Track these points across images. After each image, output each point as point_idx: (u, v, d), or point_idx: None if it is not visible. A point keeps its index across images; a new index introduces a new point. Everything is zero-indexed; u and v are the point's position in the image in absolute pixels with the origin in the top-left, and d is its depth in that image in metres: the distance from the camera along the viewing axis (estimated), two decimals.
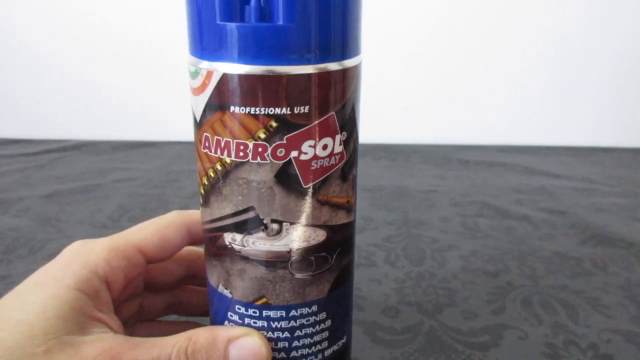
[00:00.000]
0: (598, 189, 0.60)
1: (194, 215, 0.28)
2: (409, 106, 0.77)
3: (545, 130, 0.77)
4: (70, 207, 0.55)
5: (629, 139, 0.76)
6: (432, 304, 0.38)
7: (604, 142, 0.76)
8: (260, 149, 0.22)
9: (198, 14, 0.21)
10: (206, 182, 0.23)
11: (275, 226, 0.23)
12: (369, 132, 0.75)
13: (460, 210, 0.55)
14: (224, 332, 0.24)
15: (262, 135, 0.21)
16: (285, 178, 0.22)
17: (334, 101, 0.22)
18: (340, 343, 0.27)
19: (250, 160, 0.22)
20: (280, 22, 0.20)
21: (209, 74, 0.21)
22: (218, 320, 0.26)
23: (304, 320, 0.25)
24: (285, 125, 0.21)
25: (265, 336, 0.24)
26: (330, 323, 0.26)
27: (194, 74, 0.22)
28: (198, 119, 0.23)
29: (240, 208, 0.23)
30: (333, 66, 0.21)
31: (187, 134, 0.72)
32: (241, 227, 0.23)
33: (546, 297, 0.39)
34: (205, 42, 0.21)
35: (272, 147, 0.21)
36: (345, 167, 0.24)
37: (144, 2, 0.74)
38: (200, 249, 0.31)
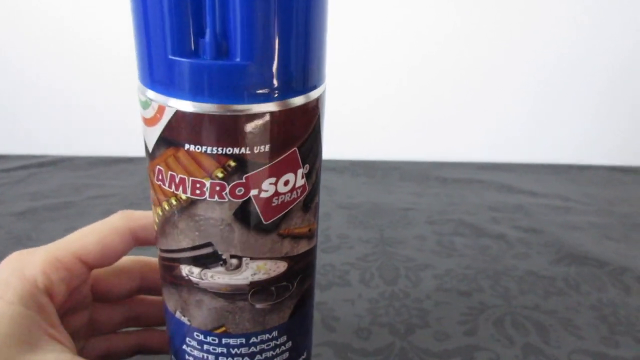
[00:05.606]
0: (573, 207, 0.61)
1: (141, 219, 0.27)
2: (388, 123, 0.78)
3: (523, 148, 0.78)
4: (44, 225, 0.54)
5: (605, 156, 0.77)
6: (405, 325, 0.38)
7: (580, 159, 0.77)
8: (218, 188, 0.20)
9: (147, 44, 0.19)
10: (160, 213, 0.22)
11: (234, 261, 0.22)
12: (348, 148, 0.75)
13: (436, 228, 0.55)
14: None
15: (220, 175, 0.20)
16: (245, 215, 0.21)
17: (297, 136, 0.21)
18: (300, 359, 0.27)
19: (208, 199, 0.21)
20: (238, 60, 0.18)
21: (161, 108, 0.20)
22: (176, 343, 0.26)
23: (264, 346, 0.25)
24: (244, 164, 0.20)
25: None
26: (291, 344, 0.26)
27: (145, 104, 0.20)
28: (150, 150, 0.21)
29: (198, 243, 0.22)
30: (295, 101, 0.20)
31: None
32: (199, 261, 0.22)
33: (518, 317, 0.39)
34: (156, 75, 0.19)
35: (230, 186, 0.20)
36: (307, 199, 0.23)
37: (121, 18, 0.73)
38: (153, 260, 0.29)
